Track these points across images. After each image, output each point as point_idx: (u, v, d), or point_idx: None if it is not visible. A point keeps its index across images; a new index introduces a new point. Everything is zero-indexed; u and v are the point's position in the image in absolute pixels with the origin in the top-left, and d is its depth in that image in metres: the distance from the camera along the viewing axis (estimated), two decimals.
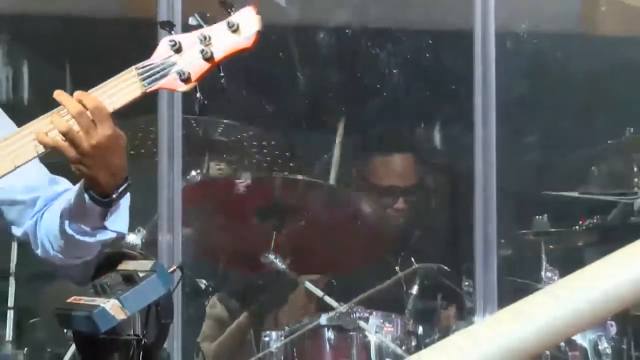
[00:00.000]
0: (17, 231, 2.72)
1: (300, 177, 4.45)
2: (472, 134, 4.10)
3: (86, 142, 2.44)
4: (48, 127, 2.46)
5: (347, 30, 5.21)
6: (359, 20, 5.22)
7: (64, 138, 2.44)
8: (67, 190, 2.67)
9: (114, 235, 2.62)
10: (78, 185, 2.56)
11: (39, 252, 2.69)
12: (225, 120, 4.26)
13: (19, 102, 5.15)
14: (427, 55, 5.15)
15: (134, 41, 4.01)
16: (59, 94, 2.47)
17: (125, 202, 2.60)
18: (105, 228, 2.59)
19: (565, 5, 5.42)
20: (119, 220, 2.61)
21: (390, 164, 4.82)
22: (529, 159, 5.18)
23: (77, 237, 2.60)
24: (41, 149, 2.47)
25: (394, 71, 5.15)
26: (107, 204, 2.52)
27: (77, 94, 2.46)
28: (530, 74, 4.97)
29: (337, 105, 5.24)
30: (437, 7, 5.29)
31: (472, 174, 4.12)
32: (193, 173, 4.28)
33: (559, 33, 5.37)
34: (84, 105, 2.44)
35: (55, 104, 2.50)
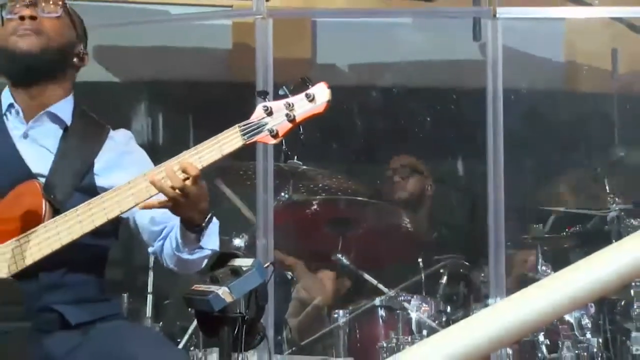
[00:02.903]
0: (150, 249, 2.76)
1: (359, 198, 4.44)
2: (485, 165, 4.07)
3: (185, 195, 2.47)
4: (161, 176, 2.47)
5: (393, 89, 5.20)
6: (401, 82, 5.22)
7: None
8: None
9: (209, 252, 2.64)
10: (179, 222, 2.60)
11: (165, 265, 2.75)
12: (303, 167, 4.26)
13: (155, 144, 5.20)
14: (452, 107, 5.13)
15: (236, 98, 4.04)
16: (169, 172, 2.46)
17: (215, 227, 2.62)
18: (201, 248, 2.63)
19: (555, 69, 5.37)
20: (211, 241, 2.63)
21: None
22: (528, 183, 5.13)
23: (183, 256, 2.64)
24: (154, 191, 2.49)
25: (427, 119, 5.13)
26: (199, 231, 2.56)
27: (184, 165, 2.46)
28: (529, 120, 4.93)
29: (386, 145, 5.23)
30: (459, 71, 5.26)
31: (485, 194, 4.09)
32: (282, 194, 4.29)
33: (550, 90, 5.33)
34: (187, 172, 2.45)
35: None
